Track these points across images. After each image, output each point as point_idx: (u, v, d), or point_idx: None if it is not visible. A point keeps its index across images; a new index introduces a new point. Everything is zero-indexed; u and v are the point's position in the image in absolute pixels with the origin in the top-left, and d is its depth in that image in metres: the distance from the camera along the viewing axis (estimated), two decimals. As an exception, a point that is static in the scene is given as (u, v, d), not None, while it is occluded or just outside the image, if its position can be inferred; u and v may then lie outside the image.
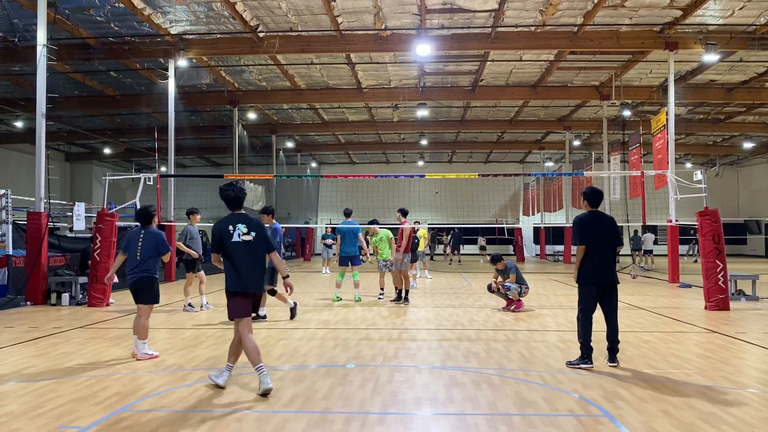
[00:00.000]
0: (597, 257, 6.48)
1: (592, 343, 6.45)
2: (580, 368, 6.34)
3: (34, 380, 5.84)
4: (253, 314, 5.76)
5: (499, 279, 11.16)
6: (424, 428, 4.57)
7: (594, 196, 6.73)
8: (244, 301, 5.54)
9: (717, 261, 11.08)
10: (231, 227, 5.56)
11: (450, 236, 29.75)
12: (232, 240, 5.53)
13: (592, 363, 6.38)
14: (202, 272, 11.15)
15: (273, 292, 9.49)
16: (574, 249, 7.06)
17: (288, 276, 5.86)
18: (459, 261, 28.39)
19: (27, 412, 4.81)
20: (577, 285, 6.65)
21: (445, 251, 31.01)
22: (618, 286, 6.61)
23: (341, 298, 12.42)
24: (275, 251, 5.79)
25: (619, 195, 22.30)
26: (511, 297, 10.91)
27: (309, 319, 10.01)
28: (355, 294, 12.51)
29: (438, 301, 12.64)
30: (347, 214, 12.88)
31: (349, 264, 12.43)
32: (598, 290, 6.49)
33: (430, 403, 5.14)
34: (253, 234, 5.56)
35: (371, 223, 12.93)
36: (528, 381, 5.84)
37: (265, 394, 5.27)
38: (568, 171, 27.41)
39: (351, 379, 5.91)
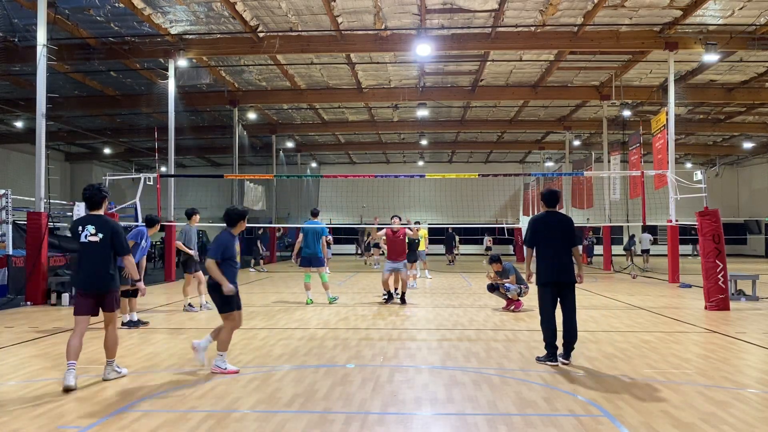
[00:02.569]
0: (550, 257, 6.57)
1: (558, 342, 6.58)
2: (546, 365, 6.47)
3: (34, 380, 5.85)
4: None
5: (497, 279, 11.19)
6: (424, 428, 4.57)
7: (549, 196, 6.85)
8: (83, 299, 5.71)
9: (717, 261, 11.08)
10: (80, 228, 5.75)
11: (444, 237, 29.80)
12: (80, 240, 5.72)
13: (556, 361, 6.50)
14: (200, 272, 11.12)
15: (135, 293, 9.16)
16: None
17: (139, 280, 6.21)
18: (451, 261, 28.41)
19: (27, 412, 4.81)
20: (533, 282, 6.85)
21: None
22: (575, 285, 6.66)
23: (313, 300, 11.97)
24: (128, 254, 5.92)
25: (619, 195, 22.31)
26: (510, 297, 10.91)
27: (309, 319, 10.01)
28: (327, 296, 12.03)
29: (438, 301, 12.64)
30: (314, 214, 12.47)
31: (310, 265, 11.82)
32: (553, 290, 6.58)
33: (430, 403, 5.14)
34: (101, 236, 5.69)
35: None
36: (528, 381, 5.84)
37: (66, 390, 5.38)
38: (568, 171, 27.40)
39: (351, 379, 5.91)
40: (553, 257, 6.56)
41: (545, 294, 6.61)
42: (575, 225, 7.06)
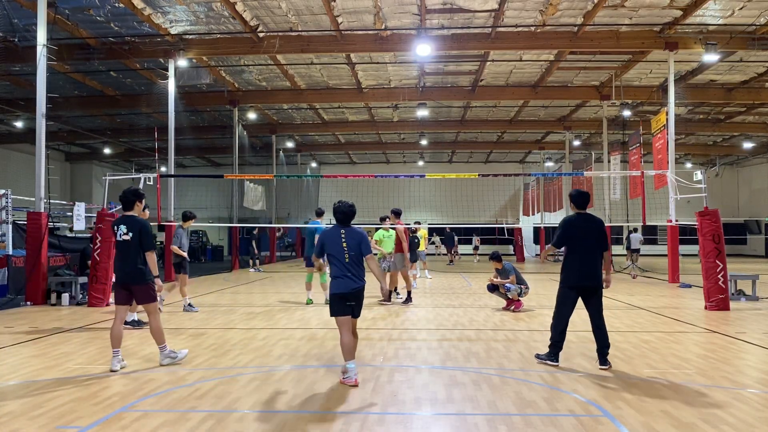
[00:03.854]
0: (580, 260, 6.39)
1: (562, 342, 6.49)
2: (546, 364, 6.43)
3: (34, 380, 5.84)
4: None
5: (498, 279, 11.19)
6: (424, 428, 4.57)
7: (580, 198, 6.64)
8: (119, 291, 6.48)
9: (717, 261, 11.07)
10: (116, 227, 6.45)
11: (443, 236, 29.86)
12: (116, 239, 6.45)
13: (557, 361, 6.45)
14: (185, 274, 11.09)
15: None
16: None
17: (157, 276, 6.54)
18: (452, 261, 28.45)
19: (27, 412, 4.81)
20: (543, 259, 7.06)
21: (437, 251, 31.15)
22: (602, 287, 6.47)
23: (313, 300, 11.93)
24: (150, 251, 6.45)
25: (619, 195, 22.31)
26: (510, 297, 10.91)
27: (309, 319, 10.01)
28: (325, 297, 11.81)
29: (438, 301, 12.64)
30: (317, 214, 12.55)
31: (311, 265, 11.86)
32: (577, 294, 6.44)
33: (430, 403, 5.14)
34: (131, 234, 6.35)
35: (382, 219, 12.60)
36: (528, 381, 5.84)
37: (112, 370, 6.16)
38: (568, 171, 27.40)
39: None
40: (584, 261, 6.36)
41: (568, 296, 6.44)
42: None
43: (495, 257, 11.29)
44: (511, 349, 7.37)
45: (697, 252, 12.25)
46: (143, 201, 6.72)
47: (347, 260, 5.83)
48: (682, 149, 31.67)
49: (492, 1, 14.39)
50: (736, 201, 37.72)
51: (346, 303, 5.85)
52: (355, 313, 5.96)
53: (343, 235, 5.88)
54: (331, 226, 6.14)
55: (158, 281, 6.58)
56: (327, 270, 12.81)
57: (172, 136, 18.07)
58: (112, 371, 6.12)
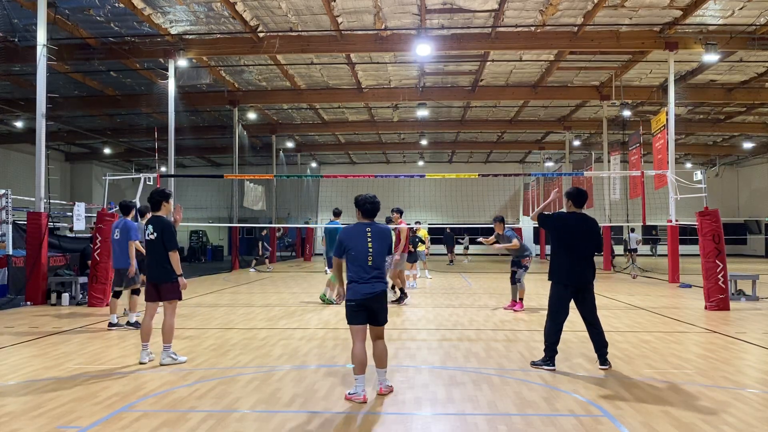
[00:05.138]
0: (570, 260, 6.28)
1: (557, 345, 6.35)
2: (543, 369, 6.29)
3: (33, 380, 5.84)
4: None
5: (495, 244, 11.17)
6: (424, 428, 4.57)
7: (579, 196, 6.51)
8: (149, 288, 6.68)
9: (717, 261, 11.07)
10: (146, 227, 6.76)
11: (442, 236, 29.86)
12: (146, 238, 6.72)
13: (554, 365, 6.30)
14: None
15: (117, 294, 9.18)
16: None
17: (181, 275, 6.66)
18: (451, 261, 28.46)
19: (27, 412, 4.81)
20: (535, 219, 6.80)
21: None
22: (593, 286, 6.39)
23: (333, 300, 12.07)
24: (172, 251, 6.58)
25: (619, 195, 22.30)
26: (518, 296, 10.93)
27: (309, 319, 10.01)
28: (325, 294, 12.16)
29: (438, 301, 12.64)
30: (335, 214, 12.69)
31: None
32: (570, 292, 6.30)
33: (430, 403, 5.14)
34: (155, 234, 6.60)
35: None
36: (528, 381, 5.84)
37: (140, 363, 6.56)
38: (568, 171, 27.38)
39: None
40: (574, 261, 6.28)
41: (562, 294, 6.31)
42: None
43: (498, 220, 11.22)
44: (511, 349, 7.38)
45: (697, 252, 12.21)
46: (170, 200, 6.87)
47: (370, 262, 5.26)
48: (682, 149, 31.67)
49: (492, 1, 14.38)
50: (736, 201, 37.71)
51: (364, 310, 5.25)
52: (379, 319, 5.35)
53: (369, 234, 5.31)
54: (352, 224, 5.52)
55: (182, 279, 6.66)
56: (329, 271, 12.86)
57: (172, 136, 18.07)
58: (141, 363, 6.51)
